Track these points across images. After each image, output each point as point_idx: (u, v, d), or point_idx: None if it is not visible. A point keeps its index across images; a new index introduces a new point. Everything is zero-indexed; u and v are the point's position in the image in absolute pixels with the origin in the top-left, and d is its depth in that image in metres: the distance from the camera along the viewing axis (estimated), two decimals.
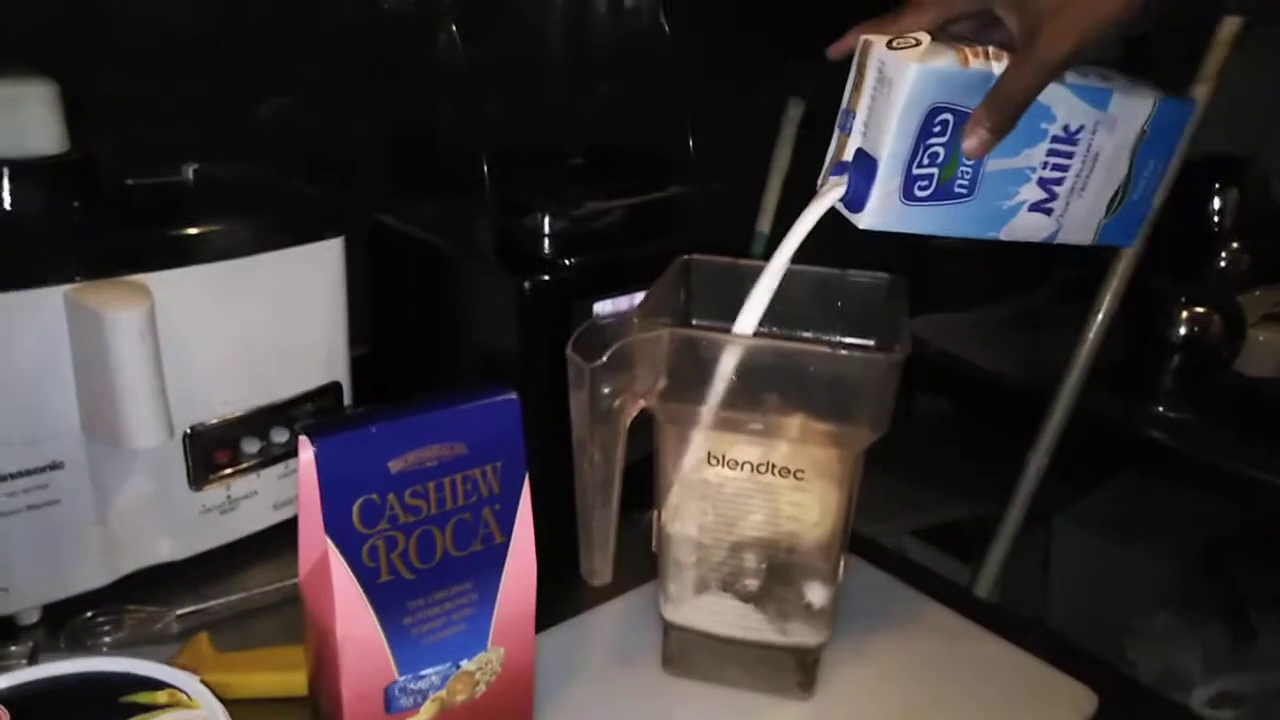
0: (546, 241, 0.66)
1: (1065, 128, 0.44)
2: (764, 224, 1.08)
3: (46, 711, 0.35)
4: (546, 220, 0.66)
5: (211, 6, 0.72)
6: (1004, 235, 0.46)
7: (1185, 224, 0.98)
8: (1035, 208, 0.46)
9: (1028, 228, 0.46)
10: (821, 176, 0.46)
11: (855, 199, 0.44)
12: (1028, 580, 1.01)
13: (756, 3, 1.02)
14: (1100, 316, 0.84)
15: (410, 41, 0.70)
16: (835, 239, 0.46)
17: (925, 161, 0.43)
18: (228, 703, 0.38)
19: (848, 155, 0.44)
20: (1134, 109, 0.45)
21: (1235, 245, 0.99)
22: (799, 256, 0.47)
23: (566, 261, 0.64)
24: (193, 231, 0.55)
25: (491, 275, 0.64)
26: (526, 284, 0.62)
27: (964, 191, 0.44)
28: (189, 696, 0.37)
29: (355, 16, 0.75)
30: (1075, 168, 0.45)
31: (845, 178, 0.44)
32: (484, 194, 0.62)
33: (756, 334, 0.50)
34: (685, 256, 0.55)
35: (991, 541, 0.89)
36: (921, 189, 0.43)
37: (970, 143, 0.42)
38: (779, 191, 1.07)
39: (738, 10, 1.00)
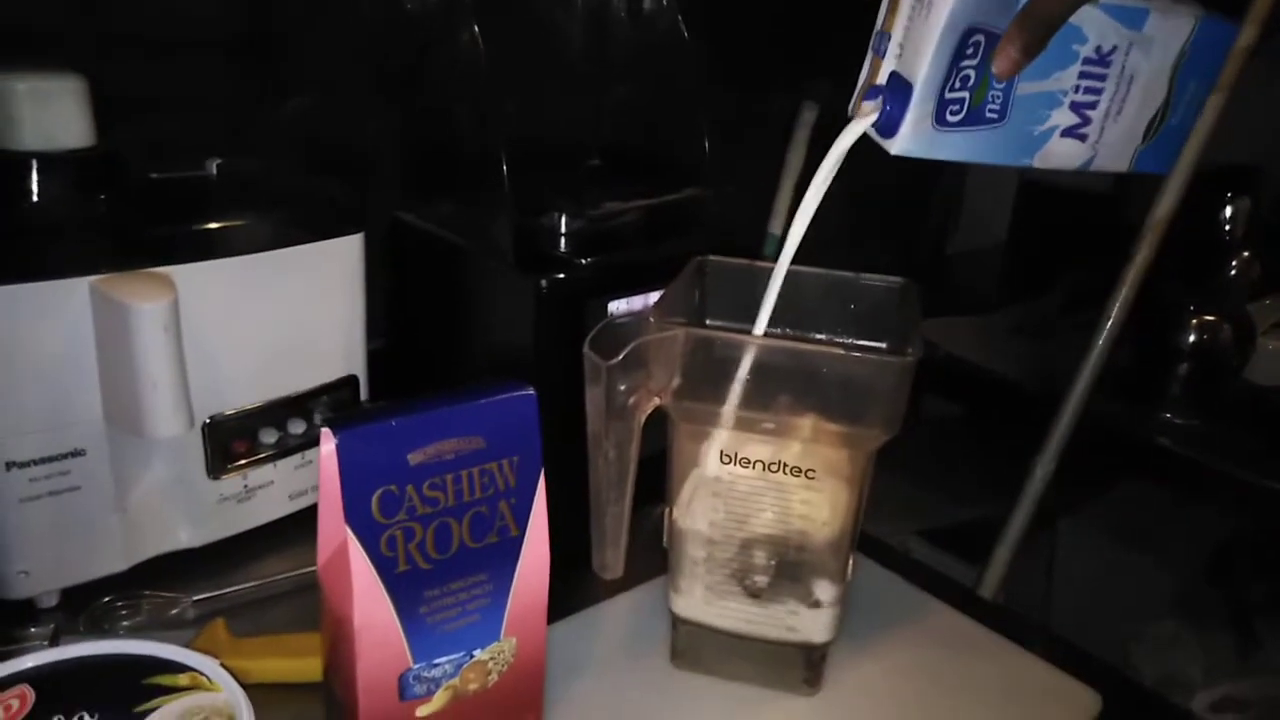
0: (563, 241, 0.67)
1: (1098, 49, 0.43)
2: (776, 226, 1.08)
3: (70, 691, 0.36)
4: (563, 220, 0.66)
5: (238, 5, 0.73)
6: (1037, 162, 0.45)
7: (1196, 233, 0.98)
8: (1068, 133, 0.44)
9: (1061, 154, 0.45)
10: (853, 102, 0.45)
11: (888, 124, 0.42)
12: (1032, 584, 1.01)
13: (772, 7, 1.02)
14: (1109, 323, 0.85)
15: (431, 42, 0.71)
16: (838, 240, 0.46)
17: (957, 85, 0.41)
18: (243, 687, 0.38)
19: (880, 79, 0.43)
20: (1172, 29, 0.43)
21: (1246, 254, 0.99)
22: (807, 258, 0.47)
23: (582, 261, 0.65)
24: (216, 226, 0.56)
25: (508, 273, 0.65)
26: (543, 282, 0.63)
27: (995, 116, 0.43)
28: (209, 679, 0.38)
29: (378, 17, 0.76)
30: (1109, 90, 0.44)
31: (879, 101, 0.43)
32: (502, 193, 0.63)
33: (770, 335, 0.50)
34: (700, 257, 0.56)
35: (997, 544, 0.89)
36: (953, 113, 0.42)
37: (1000, 63, 0.40)
38: (792, 194, 1.08)
39: (753, 14, 1.00)
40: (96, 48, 0.66)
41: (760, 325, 0.49)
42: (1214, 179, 0.96)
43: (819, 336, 0.54)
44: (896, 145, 0.42)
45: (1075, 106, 0.44)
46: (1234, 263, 1.00)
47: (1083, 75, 0.43)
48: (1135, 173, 0.48)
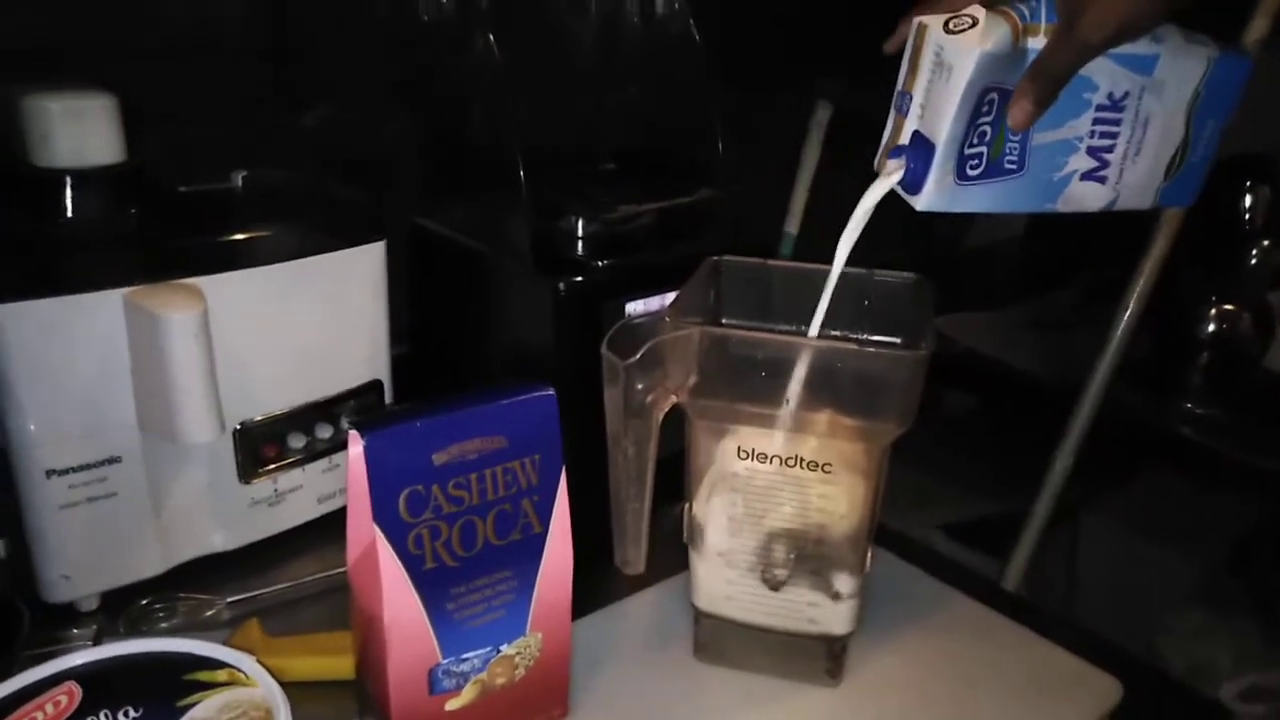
0: (580, 243, 0.67)
1: (1109, 95, 0.44)
2: (792, 225, 1.09)
3: (115, 687, 0.37)
4: (580, 223, 0.67)
5: (257, 19, 0.74)
6: (1060, 207, 0.46)
7: (1215, 222, 0.98)
8: (1088, 177, 0.46)
9: (1083, 197, 0.46)
10: (878, 159, 0.46)
11: (913, 182, 0.44)
12: (1055, 577, 1.01)
13: (784, 8, 1.03)
14: (1128, 315, 0.85)
15: (447, 50, 0.72)
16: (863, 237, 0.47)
17: (975, 141, 0.43)
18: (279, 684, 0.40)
19: (904, 137, 0.45)
20: (1185, 70, 0.44)
21: (1266, 243, 0.98)
22: (822, 254, 0.48)
23: (599, 263, 0.66)
24: (242, 237, 0.58)
25: (526, 276, 0.66)
26: (561, 285, 0.64)
27: (1014, 167, 0.44)
28: (246, 675, 0.39)
29: (395, 27, 0.78)
30: (1125, 134, 0.45)
31: (903, 160, 0.44)
32: (519, 197, 0.64)
33: (783, 332, 0.51)
34: (715, 258, 0.57)
35: (1019, 537, 0.89)
36: (973, 168, 0.43)
37: (1015, 117, 0.42)
38: (806, 193, 1.08)
39: (766, 15, 1.01)
40: (123, 64, 0.67)
41: (814, 328, 0.50)
42: (1232, 168, 0.96)
43: (833, 332, 0.55)
44: (922, 202, 0.44)
45: (1092, 151, 0.45)
46: (1254, 251, 1.00)
47: (1097, 121, 0.45)
48: (1160, 206, 0.49)
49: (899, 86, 0.45)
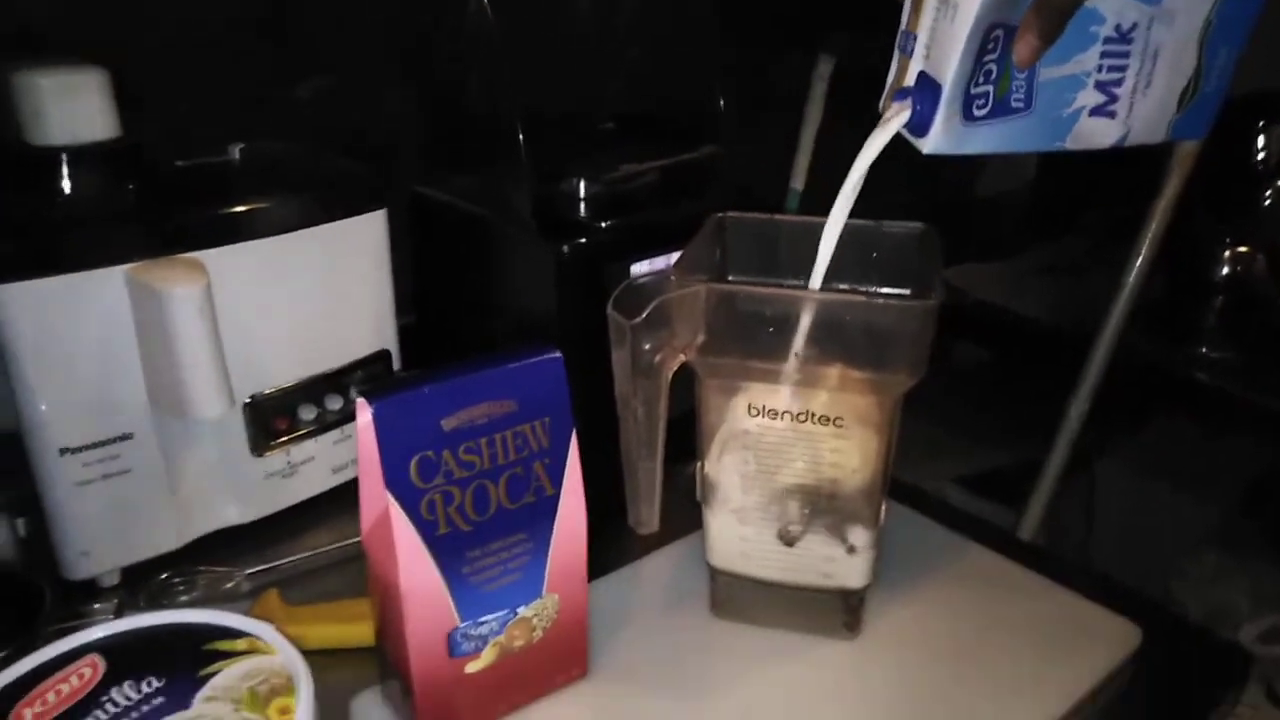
0: (582, 205, 0.67)
1: (1117, 28, 0.43)
2: (798, 181, 1.08)
3: (137, 658, 0.38)
4: (581, 185, 0.67)
5: None
6: (1070, 144, 0.45)
7: (1228, 163, 0.97)
8: (1097, 112, 0.45)
9: (1093, 134, 0.45)
10: (883, 102, 0.45)
11: (920, 124, 0.43)
12: (1072, 525, 1.01)
13: None
14: (1140, 259, 0.84)
15: (442, 14, 0.71)
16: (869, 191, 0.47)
17: (981, 80, 0.42)
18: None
19: (909, 79, 0.44)
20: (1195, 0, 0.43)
21: (1279, 184, 0.97)
22: (826, 207, 0.47)
23: (602, 224, 0.65)
24: (242, 209, 0.57)
25: (529, 240, 0.66)
26: (564, 248, 0.63)
27: (1020, 105, 0.43)
28: (266, 644, 0.39)
29: None
30: (1134, 67, 0.44)
31: (909, 102, 0.43)
32: (519, 161, 0.63)
33: (791, 287, 0.51)
34: (719, 214, 0.56)
35: (1034, 485, 0.89)
36: (979, 107, 0.43)
37: (1020, 52, 0.41)
38: (811, 147, 1.07)
39: None
40: (114, 39, 0.67)
41: (816, 280, 0.49)
42: (1245, 106, 0.94)
43: (841, 285, 0.54)
44: (929, 144, 0.43)
45: (1100, 86, 0.44)
46: (1269, 192, 0.98)
47: (1104, 55, 0.43)
48: (1172, 140, 0.47)
49: (902, 26, 0.44)
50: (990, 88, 0.42)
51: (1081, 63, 0.43)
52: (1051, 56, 0.42)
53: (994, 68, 0.42)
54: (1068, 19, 0.41)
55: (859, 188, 0.46)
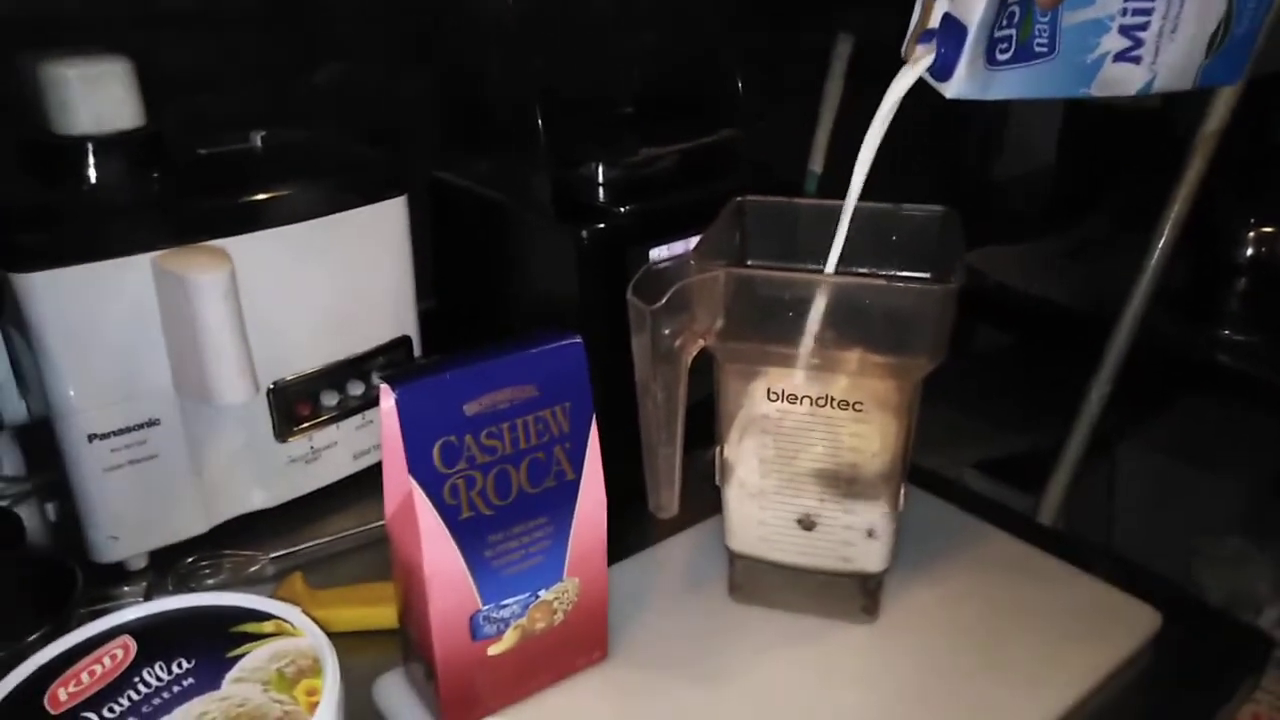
0: (602, 190, 0.67)
1: None
2: (817, 162, 1.07)
3: (167, 640, 0.38)
4: (601, 169, 0.67)
5: None
6: (1095, 91, 0.44)
7: (1252, 143, 0.95)
8: (1122, 57, 0.44)
9: (1118, 80, 0.44)
10: (905, 45, 0.45)
11: (943, 67, 0.42)
12: (1093, 509, 1.01)
13: None
14: (1163, 241, 0.83)
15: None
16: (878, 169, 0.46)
17: (1004, 23, 0.41)
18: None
19: (933, 21, 0.43)
20: None
21: None
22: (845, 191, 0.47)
23: (622, 209, 0.65)
24: (264, 197, 0.58)
25: (549, 225, 0.66)
26: (584, 233, 0.63)
27: (1044, 49, 0.43)
28: (293, 626, 0.40)
29: None
30: (1160, 10, 0.43)
31: (933, 45, 0.43)
32: (538, 146, 0.64)
33: (811, 271, 0.51)
34: (739, 198, 0.56)
35: (1054, 469, 0.89)
36: (1003, 51, 0.42)
37: None
38: (830, 129, 1.06)
39: None
40: (135, 28, 0.67)
41: (831, 264, 0.49)
42: (1269, 86, 0.93)
43: (861, 270, 0.54)
44: (952, 88, 0.43)
45: (1125, 30, 0.43)
46: None
47: None
48: (1201, 88, 0.46)
49: None
50: (1013, 31, 0.41)
51: (1105, 6, 0.42)
52: (1074, 0, 0.41)
53: (1017, 10, 0.41)
54: None
55: (880, 138, 0.46)
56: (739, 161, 0.71)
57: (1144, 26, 0.43)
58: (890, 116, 0.45)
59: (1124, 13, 0.43)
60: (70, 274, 0.51)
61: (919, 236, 0.54)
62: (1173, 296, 0.88)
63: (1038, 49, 0.42)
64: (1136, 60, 0.44)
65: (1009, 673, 0.50)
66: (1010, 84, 0.43)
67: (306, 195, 0.59)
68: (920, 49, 0.43)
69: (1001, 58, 0.42)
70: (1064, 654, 0.51)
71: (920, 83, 0.44)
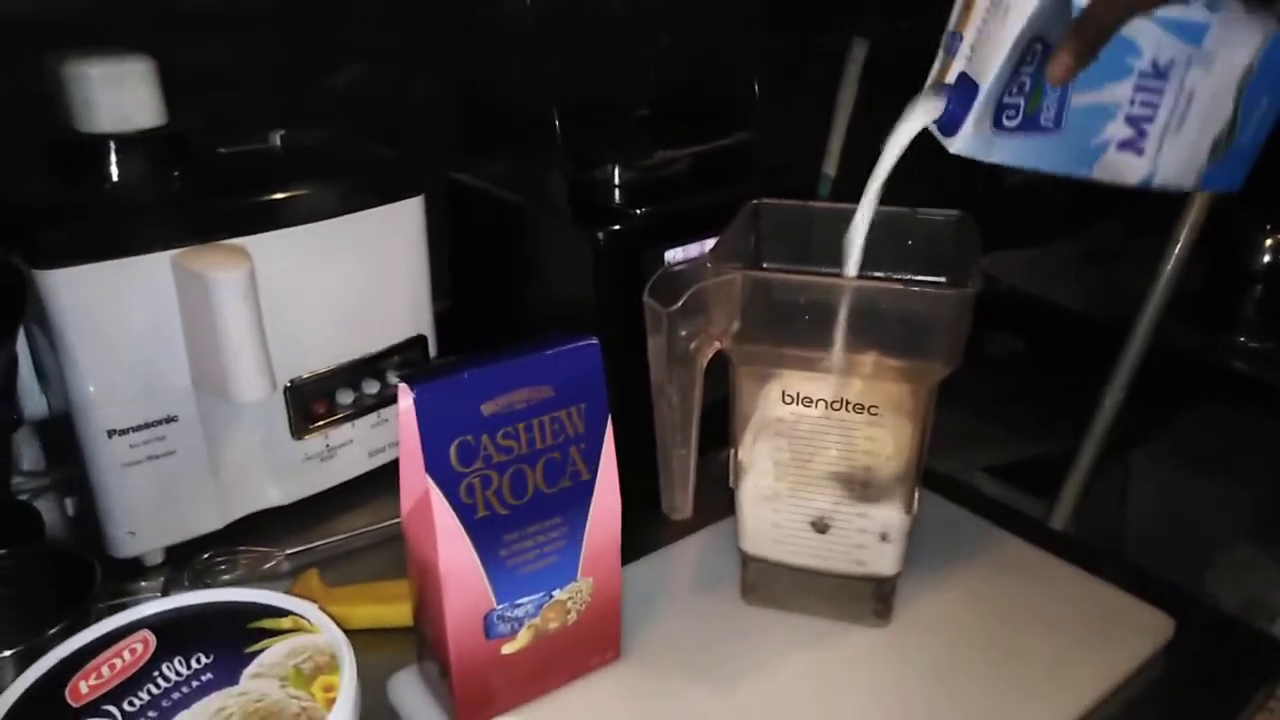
0: (618, 192, 0.67)
1: (1154, 62, 0.42)
2: (830, 166, 1.07)
3: (185, 635, 0.39)
4: (617, 171, 0.67)
5: None
6: (1096, 174, 0.45)
7: (1268, 150, 0.95)
8: (1125, 146, 0.44)
9: (1119, 168, 0.45)
10: (923, 93, 0.45)
11: (950, 122, 0.43)
12: (1105, 515, 1.01)
13: None
14: (1179, 247, 0.83)
15: (478, 1, 0.71)
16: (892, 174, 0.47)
17: (1014, 90, 0.42)
18: None
19: (949, 78, 0.43)
20: (1238, 43, 0.42)
21: None
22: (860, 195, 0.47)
23: (638, 211, 0.66)
24: (283, 196, 0.58)
25: (565, 227, 0.66)
26: (600, 235, 0.64)
27: (1049, 124, 0.43)
28: (310, 622, 0.40)
29: None
30: (1167, 105, 0.43)
31: (944, 97, 0.43)
32: (555, 148, 0.64)
33: (827, 274, 0.51)
34: (755, 201, 0.56)
35: (1067, 474, 0.88)
36: (1009, 118, 0.42)
37: (1054, 69, 0.41)
38: (844, 133, 1.06)
39: None
40: (158, 28, 0.68)
41: (850, 269, 0.49)
42: None
43: (877, 274, 0.54)
44: (956, 144, 0.43)
45: (1131, 120, 0.43)
46: None
47: (1138, 89, 0.43)
48: (1205, 190, 0.47)
49: (950, 27, 0.44)
50: (1022, 100, 0.42)
51: (1114, 93, 0.43)
52: (1085, 81, 0.42)
53: (1028, 80, 0.42)
54: (1105, 41, 0.41)
55: (886, 177, 0.46)
56: (754, 164, 0.72)
57: (1150, 119, 0.44)
58: (895, 162, 0.46)
59: (1132, 102, 0.43)
60: (91, 271, 0.52)
61: (935, 241, 0.54)
62: (1188, 302, 0.88)
63: (1044, 122, 0.43)
64: (1140, 151, 0.45)
65: (1021, 678, 0.50)
66: (1012, 151, 0.43)
67: (325, 195, 0.60)
68: (929, 94, 0.44)
69: (1008, 124, 0.43)
70: (1076, 660, 0.51)
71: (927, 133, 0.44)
